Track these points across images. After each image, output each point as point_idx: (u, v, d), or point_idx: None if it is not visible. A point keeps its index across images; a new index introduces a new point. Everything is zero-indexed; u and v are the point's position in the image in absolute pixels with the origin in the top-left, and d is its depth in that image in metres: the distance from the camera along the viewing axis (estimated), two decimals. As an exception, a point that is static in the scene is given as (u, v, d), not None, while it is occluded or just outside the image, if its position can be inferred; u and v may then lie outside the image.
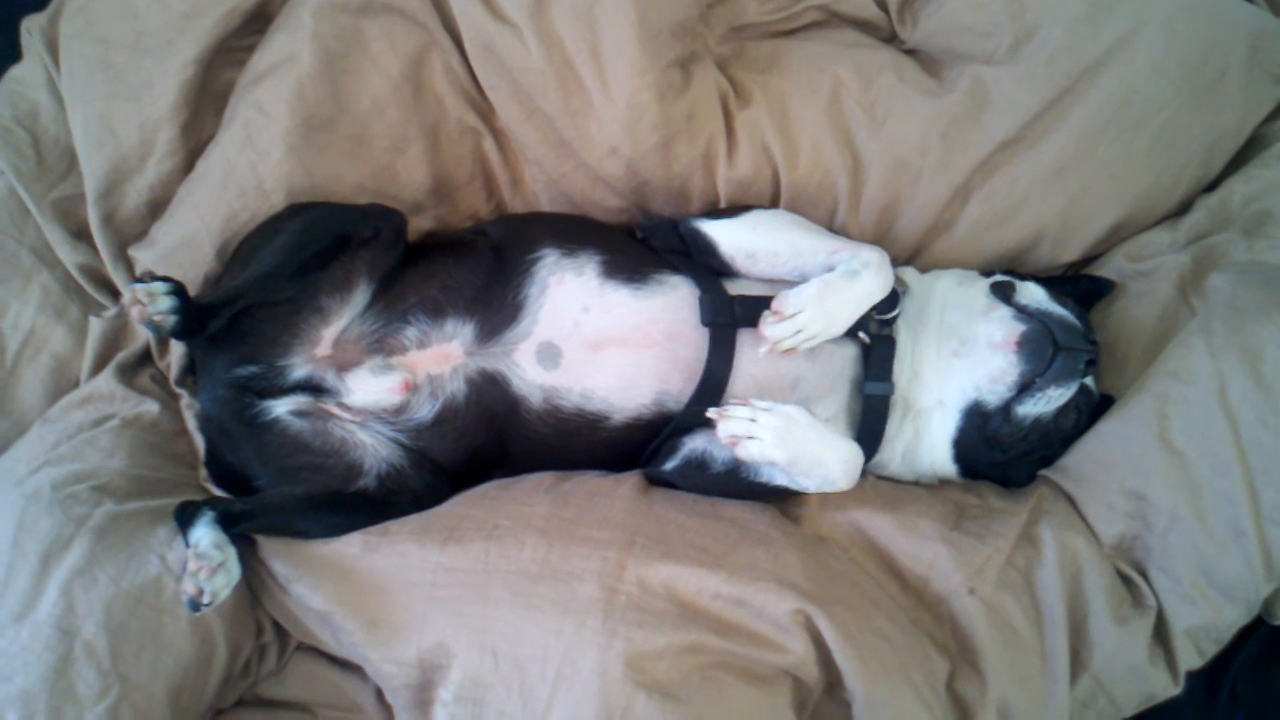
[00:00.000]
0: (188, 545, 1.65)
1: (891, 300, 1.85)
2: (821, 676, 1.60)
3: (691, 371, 1.82)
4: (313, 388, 1.82)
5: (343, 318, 1.83)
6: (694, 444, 1.84)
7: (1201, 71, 1.87)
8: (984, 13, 1.96)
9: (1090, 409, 1.86)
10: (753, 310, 1.80)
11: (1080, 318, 1.80)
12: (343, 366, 1.82)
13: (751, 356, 1.80)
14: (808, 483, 1.76)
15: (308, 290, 1.81)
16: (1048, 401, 1.75)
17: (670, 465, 1.84)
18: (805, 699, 1.62)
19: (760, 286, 1.87)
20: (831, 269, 1.81)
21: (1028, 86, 1.90)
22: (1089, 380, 1.82)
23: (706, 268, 1.89)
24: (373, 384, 1.80)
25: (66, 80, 1.96)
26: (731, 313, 1.82)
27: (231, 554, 1.66)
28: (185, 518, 1.71)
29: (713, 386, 1.81)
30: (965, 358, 1.82)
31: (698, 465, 1.82)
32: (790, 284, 1.81)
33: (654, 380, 1.82)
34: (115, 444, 1.90)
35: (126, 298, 1.63)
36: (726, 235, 1.88)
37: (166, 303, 1.62)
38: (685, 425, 1.83)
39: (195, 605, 1.59)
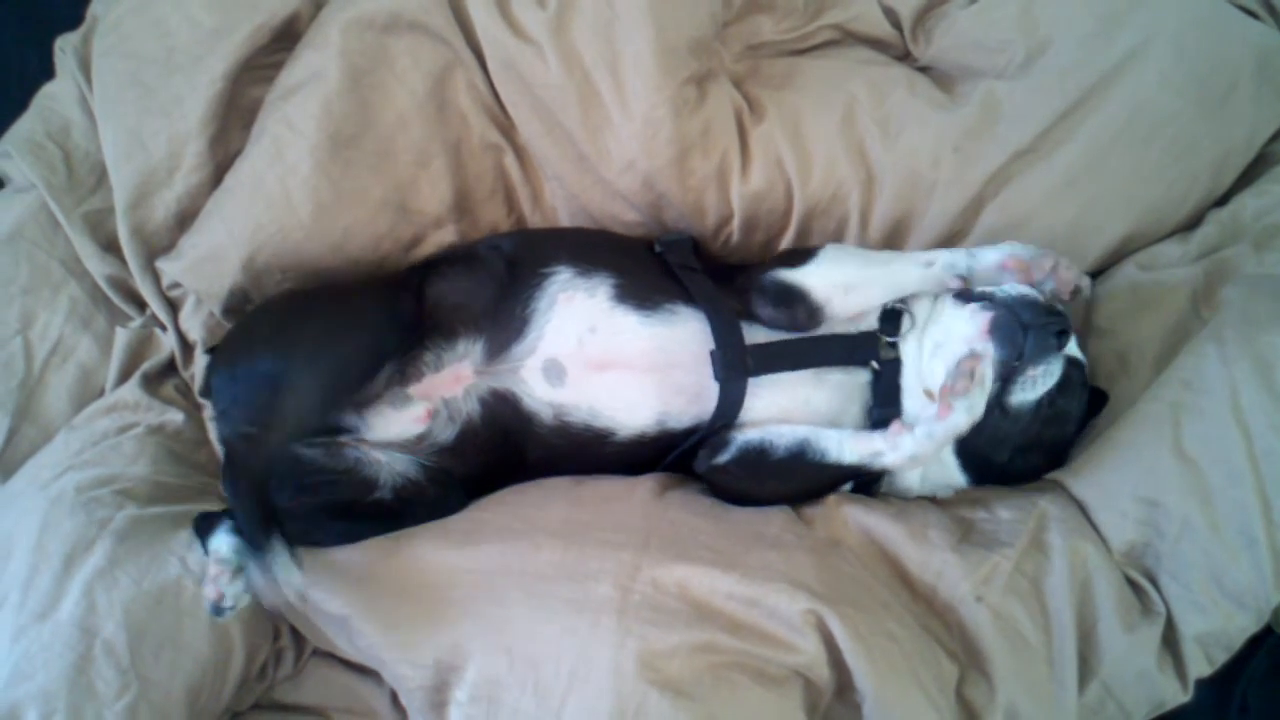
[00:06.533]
0: (207, 553, 1.67)
1: (897, 323, 1.86)
2: (832, 678, 1.60)
3: (691, 394, 1.84)
4: (329, 429, 1.82)
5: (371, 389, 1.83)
6: (746, 437, 1.83)
7: (1210, 86, 1.89)
8: (996, 29, 1.99)
9: (1085, 384, 1.83)
10: (765, 360, 1.82)
11: (1037, 294, 1.76)
12: (361, 405, 1.81)
13: (770, 399, 1.84)
14: (895, 456, 1.73)
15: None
16: (1035, 384, 1.71)
17: (725, 459, 1.84)
18: (816, 701, 1.62)
19: (842, 326, 1.87)
20: (928, 279, 1.84)
21: (1040, 99, 1.91)
22: (1076, 352, 1.80)
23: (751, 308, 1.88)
24: (394, 418, 1.81)
25: (98, 96, 2.00)
26: (744, 366, 1.82)
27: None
28: (204, 528, 1.73)
29: (725, 421, 1.84)
30: (950, 365, 1.75)
31: (757, 453, 1.82)
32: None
33: (656, 403, 1.84)
34: (139, 450, 1.93)
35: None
36: (819, 277, 1.85)
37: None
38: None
39: (218, 610, 1.61)
